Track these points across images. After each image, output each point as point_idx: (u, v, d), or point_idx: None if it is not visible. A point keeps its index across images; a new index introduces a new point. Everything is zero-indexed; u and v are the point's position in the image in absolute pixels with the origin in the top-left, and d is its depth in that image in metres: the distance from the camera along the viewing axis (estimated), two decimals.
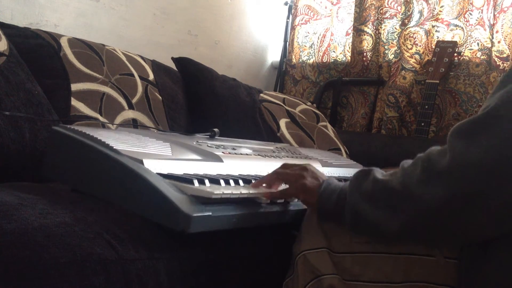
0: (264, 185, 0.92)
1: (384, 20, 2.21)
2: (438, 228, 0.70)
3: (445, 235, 0.71)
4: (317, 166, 1.22)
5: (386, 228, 0.73)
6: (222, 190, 0.79)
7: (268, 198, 0.89)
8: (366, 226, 0.78)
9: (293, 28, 2.57)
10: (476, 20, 1.96)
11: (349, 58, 2.35)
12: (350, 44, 2.34)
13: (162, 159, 0.89)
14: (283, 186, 0.94)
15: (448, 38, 2.03)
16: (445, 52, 1.96)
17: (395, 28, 2.18)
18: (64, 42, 1.44)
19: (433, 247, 0.84)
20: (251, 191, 0.86)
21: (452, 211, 0.66)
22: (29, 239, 0.66)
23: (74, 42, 1.47)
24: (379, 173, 0.79)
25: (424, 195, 0.68)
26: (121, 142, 0.91)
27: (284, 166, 0.95)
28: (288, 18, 2.60)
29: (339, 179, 0.97)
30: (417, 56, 2.10)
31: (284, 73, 2.58)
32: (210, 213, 0.76)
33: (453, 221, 0.67)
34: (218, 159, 1.00)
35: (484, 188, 0.64)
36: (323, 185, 0.86)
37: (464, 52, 1.99)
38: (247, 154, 1.12)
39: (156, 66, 1.71)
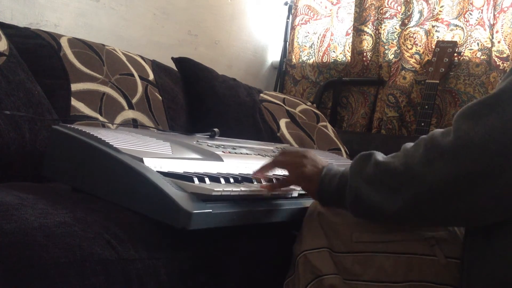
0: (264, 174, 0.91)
1: (384, 20, 2.21)
2: (441, 208, 0.68)
3: (447, 216, 0.70)
4: None
5: (388, 209, 0.72)
6: (223, 187, 0.79)
7: (270, 191, 0.89)
8: (367, 208, 0.76)
9: (293, 28, 2.57)
10: (476, 20, 1.96)
11: (349, 58, 2.35)
12: (350, 44, 2.34)
13: (162, 157, 0.89)
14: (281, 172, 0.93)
15: (448, 38, 2.03)
16: (445, 52, 1.96)
17: (395, 28, 2.18)
18: (64, 42, 1.43)
19: (434, 228, 0.84)
20: (251, 189, 0.86)
21: (455, 191, 0.65)
22: (29, 239, 0.66)
23: (74, 42, 1.46)
24: (380, 155, 0.77)
25: (427, 175, 0.67)
26: (122, 141, 0.91)
27: (283, 153, 0.94)
28: (288, 18, 2.60)
29: None
30: (417, 56, 2.10)
31: (284, 73, 2.58)
32: (211, 210, 0.76)
33: (456, 201, 0.66)
34: (218, 158, 1.00)
35: (488, 168, 0.63)
36: (324, 171, 0.85)
37: (464, 52, 1.99)
38: (247, 154, 1.12)
39: (156, 66, 1.71)
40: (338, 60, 2.42)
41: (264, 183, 0.93)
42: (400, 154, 0.73)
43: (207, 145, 1.09)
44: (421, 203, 0.69)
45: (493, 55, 1.89)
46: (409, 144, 0.74)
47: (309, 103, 2.13)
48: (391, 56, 2.20)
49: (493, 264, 0.70)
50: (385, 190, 0.73)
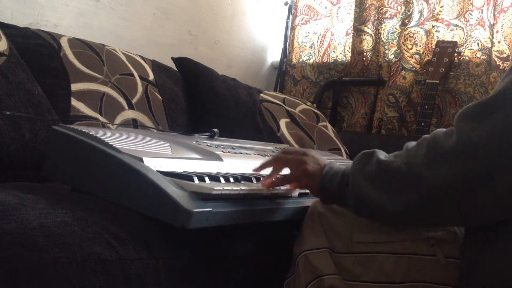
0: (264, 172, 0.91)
1: (384, 20, 2.21)
2: (443, 209, 0.68)
3: (450, 216, 0.70)
4: None
5: (391, 209, 0.72)
6: (223, 186, 0.79)
7: (270, 186, 0.89)
8: (369, 207, 0.76)
9: (293, 28, 2.57)
10: (476, 20, 1.96)
11: (349, 58, 2.35)
12: (350, 44, 2.34)
13: (162, 157, 0.89)
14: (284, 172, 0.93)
15: (448, 38, 2.03)
16: (445, 52, 1.96)
17: (395, 28, 2.18)
18: (64, 42, 1.43)
19: (437, 228, 0.84)
20: (251, 188, 0.86)
21: (457, 192, 0.65)
22: (29, 239, 0.66)
23: (74, 42, 1.46)
24: (382, 154, 0.77)
25: (429, 176, 0.67)
26: (121, 141, 0.91)
27: (285, 151, 0.94)
28: (288, 18, 2.60)
29: None
30: (417, 56, 2.10)
31: (284, 73, 2.58)
32: (211, 209, 0.76)
33: (459, 202, 0.66)
34: (218, 158, 1.00)
35: (490, 170, 0.63)
36: (325, 169, 0.85)
37: (464, 52, 1.99)
38: (247, 154, 1.12)
39: (156, 66, 1.71)
40: (338, 60, 2.42)
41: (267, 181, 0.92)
42: (403, 154, 0.73)
43: (207, 145, 1.09)
44: (424, 205, 0.69)
45: (493, 55, 1.89)
46: (411, 143, 0.74)
47: (309, 103, 2.13)
48: (391, 56, 2.20)
49: (493, 265, 0.70)
50: (387, 190, 0.73)
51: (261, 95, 1.94)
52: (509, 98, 0.64)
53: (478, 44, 1.96)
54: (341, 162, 1.41)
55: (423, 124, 1.87)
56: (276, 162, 0.91)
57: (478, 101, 0.67)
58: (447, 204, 0.67)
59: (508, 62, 1.84)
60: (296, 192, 0.96)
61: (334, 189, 0.82)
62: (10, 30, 1.36)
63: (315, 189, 0.86)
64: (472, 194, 0.65)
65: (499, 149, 0.62)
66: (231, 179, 0.88)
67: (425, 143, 0.70)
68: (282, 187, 0.92)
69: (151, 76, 1.63)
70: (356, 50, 2.30)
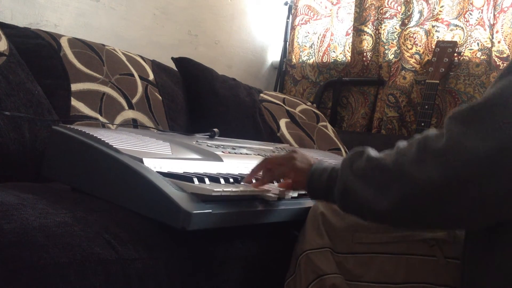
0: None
1: (384, 20, 2.21)
2: (429, 210, 0.68)
3: (435, 219, 0.69)
4: None
5: (375, 207, 0.71)
6: (222, 187, 0.79)
7: (259, 185, 0.89)
8: (355, 203, 0.75)
9: (293, 28, 2.57)
10: (476, 20, 1.96)
11: (349, 58, 2.35)
12: (350, 44, 2.34)
13: (162, 158, 0.89)
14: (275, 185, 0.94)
15: (448, 38, 2.03)
16: (445, 52, 1.96)
17: (395, 28, 2.18)
18: (64, 42, 1.43)
19: (421, 231, 0.84)
20: (251, 189, 0.86)
21: (444, 194, 0.65)
22: (29, 239, 0.66)
23: (74, 42, 1.46)
24: (373, 151, 0.77)
25: (417, 175, 0.67)
26: (121, 141, 0.91)
27: (273, 154, 0.94)
28: (288, 18, 2.60)
29: None
30: (417, 56, 2.10)
31: (284, 73, 2.58)
32: (210, 211, 0.76)
33: (444, 204, 0.66)
34: (218, 158, 1.01)
35: (478, 174, 0.63)
36: (315, 164, 0.85)
37: (464, 52, 1.99)
38: (247, 154, 1.12)
39: (156, 66, 1.71)
40: (338, 60, 2.42)
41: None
42: (393, 152, 0.73)
43: (207, 145, 1.09)
44: (409, 204, 0.69)
45: (493, 55, 1.89)
46: (403, 142, 0.74)
47: (309, 103, 2.13)
48: (391, 56, 2.20)
49: (495, 267, 0.70)
50: (374, 186, 0.72)
51: (261, 95, 1.94)
52: (498, 103, 0.64)
53: (478, 44, 1.96)
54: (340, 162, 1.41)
55: (423, 124, 1.87)
56: (265, 163, 0.91)
57: (469, 105, 0.67)
58: (431, 205, 0.67)
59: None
60: (295, 193, 0.96)
61: (322, 184, 0.82)
62: (10, 30, 1.36)
63: (304, 184, 0.86)
64: (457, 196, 0.65)
65: (488, 155, 0.62)
66: (231, 180, 0.88)
67: (416, 142, 0.70)
68: (281, 188, 0.92)
69: (151, 76, 1.63)
70: (356, 50, 2.30)
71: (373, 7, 2.25)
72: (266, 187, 0.91)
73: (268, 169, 0.91)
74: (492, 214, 0.66)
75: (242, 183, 0.91)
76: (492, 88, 0.67)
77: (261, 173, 0.93)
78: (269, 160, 0.91)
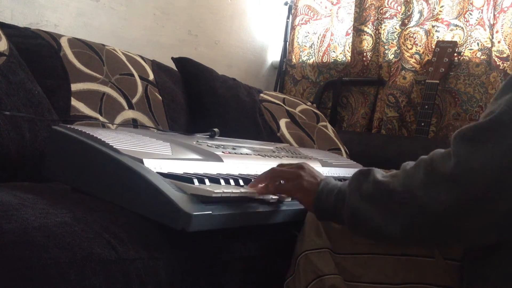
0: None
1: (384, 20, 2.21)
2: (440, 232, 0.68)
3: (447, 239, 0.70)
4: (317, 166, 1.22)
5: (388, 231, 0.72)
6: (223, 189, 0.79)
7: (262, 193, 0.88)
8: (366, 228, 0.76)
9: (293, 28, 2.57)
10: (476, 20, 1.96)
11: (349, 58, 2.35)
12: (350, 44, 2.34)
13: (162, 158, 0.89)
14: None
15: (448, 38, 2.03)
16: (445, 52, 1.96)
17: (395, 28, 2.18)
18: (64, 42, 1.43)
19: (435, 249, 0.84)
20: (252, 190, 0.86)
21: (455, 216, 0.65)
22: (29, 239, 0.66)
23: (74, 42, 1.46)
24: (379, 173, 0.77)
25: (427, 199, 0.67)
26: (121, 142, 0.91)
27: (281, 165, 0.94)
28: (288, 18, 2.60)
29: (339, 179, 0.97)
30: (417, 56, 2.10)
31: (284, 73, 2.58)
32: (210, 212, 0.76)
33: (456, 226, 0.66)
34: (218, 158, 1.00)
35: (488, 194, 0.63)
36: (321, 185, 0.84)
37: (464, 52, 1.99)
38: (247, 154, 1.12)
39: (156, 66, 1.71)
40: (338, 60, 2.42)
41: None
42: (400, 175, 0.73)
43: (207, 145, 1.08)
44: (420, 228, 0.69)
45: (493, 55, 1.89)
46: (409, 164, 0.74)
47: (309, 103, 2.13)
48: (391, 56, 2.20)
49: (494, 268, 0.70)
50: (383, 211, 0.72)
51: (261, 95, 1.94)
52: (506, 122, 0.64)
53: (478, 44, 1.96)
54: (341, 162, 1.41)
55: (423, 124, 1.87)
56: (271, 176, 0.89)
57: (475, 124, 0.67)
58: (443, 228, 0.67)
59: (508, 62, 1.84)
60: None
61: (329, 206, 0.81)
62: (10, 30, 1.36)
63: (310, 204, 0.85)
64: (469, 218, 0.65)
65: (497, 174, 0.62)
66: (231, 181, 0.88)
67: (423, 165, 0.70)
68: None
69: (151, 76, 1.63)
70: (356, 50, 2.30)
71: (373, 7, 2.25)
72: None
73: (274, 181, 0.89)
74: (506, 230, 0.66)
75: (245, 188, 0.90)
76: (494, 105, 0.67)
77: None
78: (277, 173, 0.89)
